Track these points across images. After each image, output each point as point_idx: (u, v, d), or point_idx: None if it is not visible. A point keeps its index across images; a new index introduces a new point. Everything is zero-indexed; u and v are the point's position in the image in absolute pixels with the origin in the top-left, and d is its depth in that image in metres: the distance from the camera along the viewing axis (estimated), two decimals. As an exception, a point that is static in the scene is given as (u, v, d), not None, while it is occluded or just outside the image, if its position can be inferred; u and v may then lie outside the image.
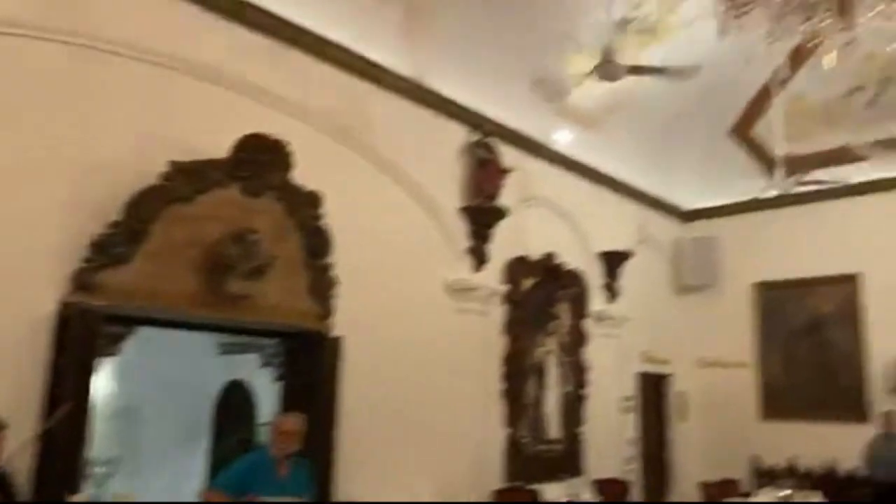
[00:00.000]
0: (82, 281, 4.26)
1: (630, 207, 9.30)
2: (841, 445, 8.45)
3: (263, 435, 5.95)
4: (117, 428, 6.95)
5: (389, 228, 6.20)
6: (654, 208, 9.74)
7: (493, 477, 6.83)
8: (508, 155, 7.33)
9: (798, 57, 7.63)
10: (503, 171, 7.04)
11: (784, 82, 8.23)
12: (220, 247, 4.72)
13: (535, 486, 6.85)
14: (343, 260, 5.57)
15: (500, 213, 6.92)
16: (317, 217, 5.41)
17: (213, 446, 7.44)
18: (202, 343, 7.09)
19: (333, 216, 5.48)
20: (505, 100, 7.22)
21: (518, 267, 7.41)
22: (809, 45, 4.00)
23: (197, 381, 7.46)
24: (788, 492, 7.19)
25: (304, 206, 5.33)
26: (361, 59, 6.02)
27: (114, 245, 4.36)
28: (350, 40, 5.89)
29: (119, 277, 4.39)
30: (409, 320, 6.24)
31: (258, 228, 4.89)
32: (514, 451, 7.09)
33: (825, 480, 8.46)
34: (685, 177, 9.79)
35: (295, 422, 4.53)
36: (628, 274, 8.76)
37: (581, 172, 8.52)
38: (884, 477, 7.84)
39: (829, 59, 3.44)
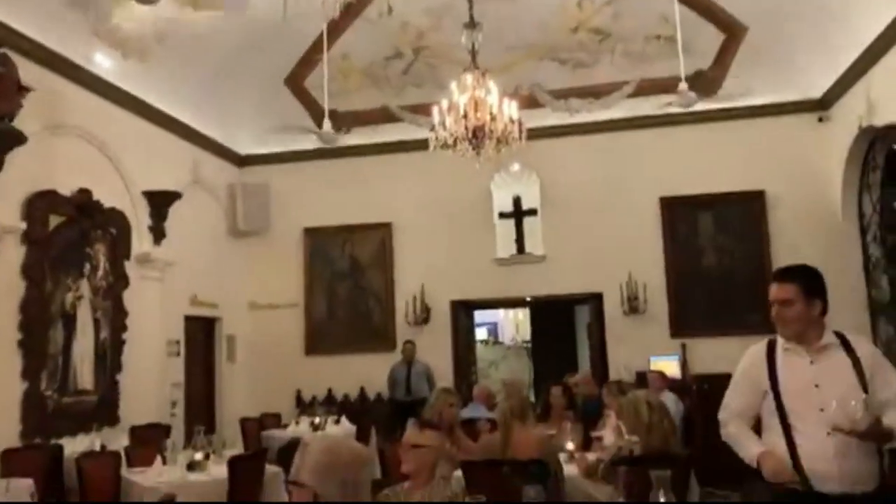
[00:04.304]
0: None
1: (183, 147, 8.99)
2: (373, 373, 9.55)
3: None
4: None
5: None
6: (208, 150, 9.57)
7: (9, 436, 6.05)
8: (32, 72, 6.41)
9: (348, 14, 8.21)
10: (22, 90, 6.12)
11: (332, 39, 8.74)
12: None
13: (60, 441, 6.27)
14: None
15: (16, 138, 6.01)
16: None
17: None
18: None
19: None
20: (31, 9, 6.28)
21: (43, 202, 6.58)
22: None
23: None
24: (318, 419, 7.84)
25: None
26: None
27: None
28: None
29: None
30: None
31: None
32: (35, 405, 6.36)
33: (357, 404, 9.54)
34: (241, 121, 9.83)
35: None
36: (178, 216, 8.47)
37: (126, 104, 7.91)
38: (401, 396, 9.13)
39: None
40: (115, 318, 7.46)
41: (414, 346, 9.39)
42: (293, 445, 6.27)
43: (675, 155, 9.39)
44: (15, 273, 6.32)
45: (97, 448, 6.11)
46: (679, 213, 9.44)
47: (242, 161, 10.34)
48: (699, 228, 9.42)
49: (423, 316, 9.77)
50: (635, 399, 4.33)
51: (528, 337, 13.88)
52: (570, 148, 9.64)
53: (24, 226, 6.38)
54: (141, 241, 8.00)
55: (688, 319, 9.15)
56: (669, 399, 6.44)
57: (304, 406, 9.39)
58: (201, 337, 9.30)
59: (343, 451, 2.17)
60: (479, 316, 12.09)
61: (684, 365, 8.84)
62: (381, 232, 10.18)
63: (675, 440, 4.34)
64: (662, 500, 2.67)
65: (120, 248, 7.63)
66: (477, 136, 6.70)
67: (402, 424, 4.52)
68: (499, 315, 14.84)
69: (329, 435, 7.32)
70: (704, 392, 7.67)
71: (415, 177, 9.90)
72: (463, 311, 10.28)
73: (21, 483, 4.19)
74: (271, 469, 5.35)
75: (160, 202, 8.12)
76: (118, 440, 6.55)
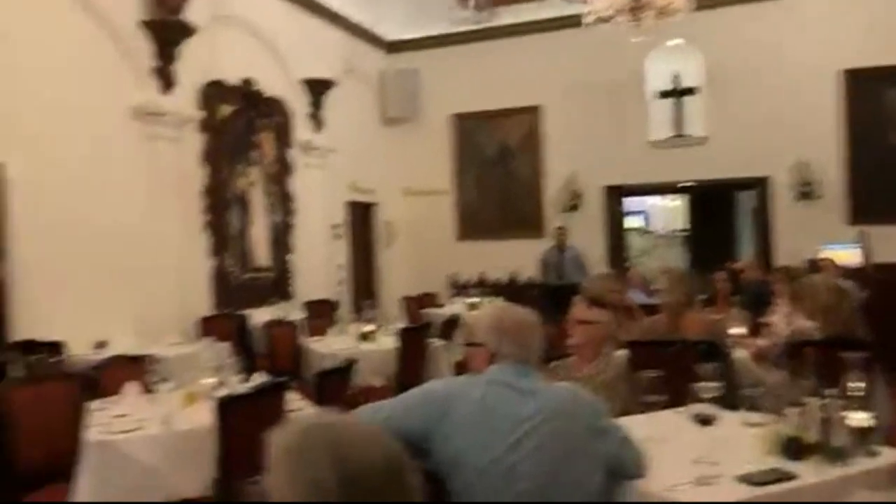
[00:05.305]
0: None
1: (334, 35, 9.09)
2: (522, 258, 9.64)
3: None
4: None
5: (55, 45, 5.40)
6: (359, 38, 9.64)
7: (200, 307, 6.72)
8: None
9: None
10: (190, -17, 6.37)
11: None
12: None
13: (244, 312, 6.90)
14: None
15: (186, 30, 6.31)
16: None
17: None
18: None
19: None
20: None
21: (213, 92, 6.96)
22: None
23: None
24: (477, 299, 8.09)
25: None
26: None
27: None
28: None
29: None
30: (92, 147, 5.66)
31: None
32: (221, 280, 7.01)
33: (508, 287, 9.71)
34: (390, 7, 9.74)
35: None
36: (334, 104, 8.71)
37: (281, -7, 8.06)
38: (553, 280, 9.19)
39: None
40: (283, 203, 7.94)
41: (565, 232, 9.32)
42: (453, 322, 6.54)
43: (858, 20, 8.35)
44: (196, 160, 6.80)
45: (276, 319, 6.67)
46: (862, 87, 8.49)
47: (391, 47, 10.35)
48: (886, 104, 8.47)
49: (573, 203, 9.63)
50: (813, 283, 4.10)
51: (680, 226, 13.38)
52: (737, 18, 8.83)
53: (200, 114, 6.79)
54: (302, 129, 8.32)
55: (868, 205, 8.41)
56: (849, 287, 6.03)
57: (459, 288, 9.69)
58: (360, 221, 9.72)
59: (515, 314, 2.21)
60: (629, 204, 11.74)
61: (866, 253, 8.17)
62: (530, 116, 9.97)
63: (856, 325, 4.10)
64: (856, 384, 2.49)
65: (283, 135, 7.99)
66: (636, 7, 6.31)
67: (555, 308, 4.55)
68: (648, 203, 14.34)
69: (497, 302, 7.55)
70: (886, 282, 7.11)
71: (564, 57, 9.49)
72: (615, 197, 10.02)
73: (220, 344, 4.70)
74: (434, 342, 5.64)
75: (318, 90, 8.34)
76: (293, 313, 7.10)
